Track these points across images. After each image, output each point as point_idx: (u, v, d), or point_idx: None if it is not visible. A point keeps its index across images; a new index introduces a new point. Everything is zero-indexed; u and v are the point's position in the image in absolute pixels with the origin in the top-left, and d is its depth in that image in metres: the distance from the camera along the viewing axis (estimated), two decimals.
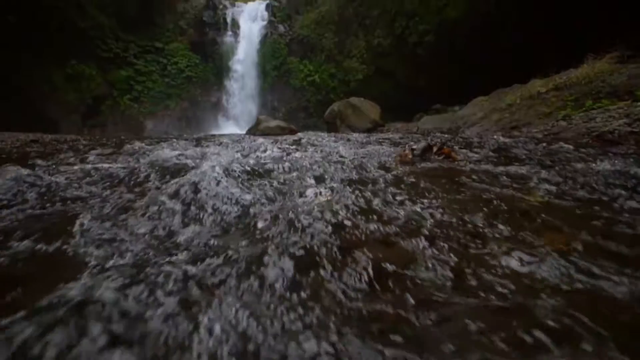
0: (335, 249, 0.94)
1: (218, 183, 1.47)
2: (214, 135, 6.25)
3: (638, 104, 3.72)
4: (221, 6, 15.42)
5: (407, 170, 2.11)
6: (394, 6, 12.03)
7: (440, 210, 1.25)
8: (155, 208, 1.23)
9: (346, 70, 13.93)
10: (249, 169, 1.92)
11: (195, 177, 1.47)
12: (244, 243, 1.00)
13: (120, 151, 3.12)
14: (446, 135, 4.80)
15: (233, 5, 15.97)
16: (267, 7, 15.86)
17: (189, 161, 2.09)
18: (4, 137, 6.07)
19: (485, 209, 1.27)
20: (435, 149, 2.80)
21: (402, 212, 1.24)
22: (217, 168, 1.63)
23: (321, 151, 3.03)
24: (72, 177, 1.79)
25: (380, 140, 4.04)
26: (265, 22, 15.50)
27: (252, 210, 1.27)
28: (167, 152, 2.58)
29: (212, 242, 1.03)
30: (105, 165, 2.15)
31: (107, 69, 12.86)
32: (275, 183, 1.69)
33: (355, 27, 13.62)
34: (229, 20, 15.18)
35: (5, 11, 9.33)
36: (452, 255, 0.94)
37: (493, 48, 9.11)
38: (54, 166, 2.12)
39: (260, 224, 1.13)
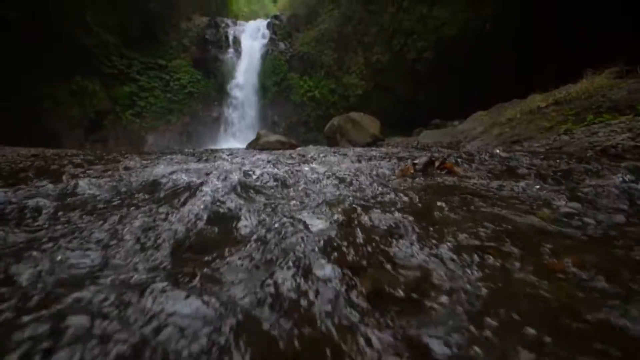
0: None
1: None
2: (214, 150, 6.23)
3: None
4: (223, 25, 15.80)
5: (410, 185, 2.05)
6: (392, 24, 12.31)
7: (449, 228, 1.19)
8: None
9: (346, 86, 14.11)
10: (248, 188, 1.86)
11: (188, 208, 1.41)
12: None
13: (117, 167, 3.07)
14: (447, 150, 4.76)
15: (235, 23, 16.38)
16: (269, 25, 16.26)
17: (185, 179, 2.03)
18: (5, 151, 6.06)
19: (494, 227, 1.20)
20: (437, 164, 2.75)
21: (409, 230, 1.17)
22: (211, 193, 1.58)
23: (323, 166, 2.98)
24: (45, 202, 1.67)
25: (382, 154, 4.00)
26: (266, 40, 15.84)
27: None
28: (161, 170, 2.53)
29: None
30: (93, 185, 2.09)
31: (110, 85, 13.05)
32: (275, 205, 1.63)
33: (354, 44, 13.90)
34: (230, 38, 15.53)
35: (15, 31, 9.53)
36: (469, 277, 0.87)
37: (491, 64, 9.25)
38: (35, 187, 2.03)
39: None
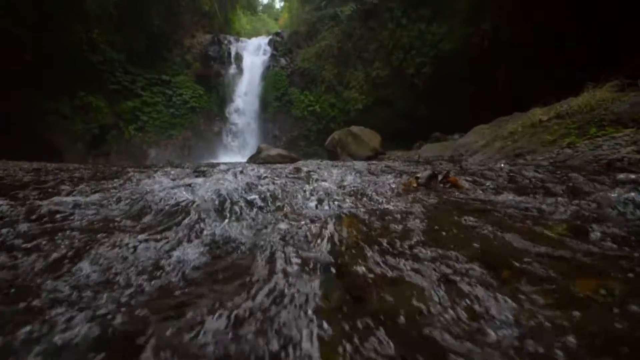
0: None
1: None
2: (214, 164, 6.22)
3: None
4: (226, 41, 16.15)
5: (414, 200, 2.00)
6: (391, 40, 12.54)
7: (458, 247, 1.12)
8: None
9: (346, 100, 14.26)
10: (248, 203, 1.81)
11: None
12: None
13: (115, 181, 3.03)
14: (449, 164, 4.72)
15: (237, 40, 16.75)
16: (270, 42, 16.62)
17: (182, 195, 1.97)
18: (7, 166, 6.05)
19: (506, 244, 1.14)
20: (440, 177, 2.71)
21: (416, 251, 1.11)
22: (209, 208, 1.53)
23: (325, 180, 2.94)
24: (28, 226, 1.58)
25: (383, 168, 3.96)
26: (267, 56, 16.16)
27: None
28: (157, 186, 2.48)
29: None
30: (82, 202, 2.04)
31: (114, 100, 13.21)
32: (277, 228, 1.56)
33: (354, 60, 14.13)
34: (232, 54, 15.83)
35: (24, 50, 9.74)
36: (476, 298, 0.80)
37: (490, 78, 9.34)
38: (25, 202, 1.98)
39: None
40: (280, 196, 2.10)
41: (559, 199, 1.84)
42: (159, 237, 1.26)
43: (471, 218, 1.48)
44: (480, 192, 2.22)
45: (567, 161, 3.85)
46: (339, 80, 14.54)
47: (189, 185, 2.33)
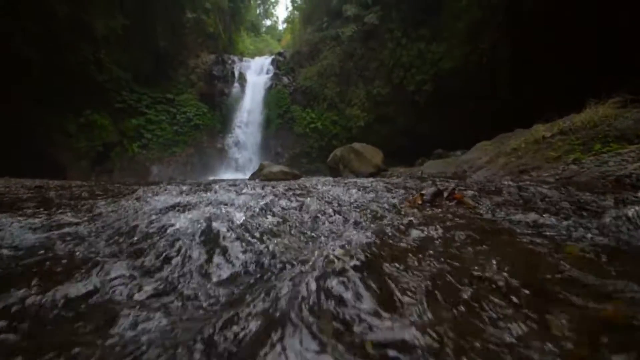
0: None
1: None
2: (216, 181, 6.20)
3: None
4: (230, 61, 16.56)
5: (421, 217, 1.93)
6: (392, 59, 12.80)
7: (473, 267, 1.06)
8: None
9: (348, 118, 14.41)
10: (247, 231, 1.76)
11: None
12: None
13: (117, 199, 3.00)
14: (453, 180, 4.67)
15: (241, 60, 17.18)
16: (273, 61, 17.04)
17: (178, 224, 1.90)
18: (10, 183, 6.06)
19: (519, 266, 1.07)
20: (446, 194, 2.65)
21: (427, 272, 1.04)
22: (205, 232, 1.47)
23: (329, 198, 2.89)
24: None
25: (387, 185, 3.91)
26: (270, 75, 16.52)
27: None
28: (159, 204, 2.44)
29: None
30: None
31: (119, 118, 13.41)
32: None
33: (356, 78, 14.39)
34: (236, 73, 16.20)
35: (32, 69, 9.99)
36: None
37: (490, 95, 9.44)
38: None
39: None
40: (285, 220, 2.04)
41: (573, 217, 1.77)
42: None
43: (482, 238, 1.42)
44: (489, 209, 2.16)
45: (574, 178, 3.79)
46: (341, 98, 14.76)
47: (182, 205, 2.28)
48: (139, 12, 13.06)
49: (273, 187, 3.93)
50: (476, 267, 1.07)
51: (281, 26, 35.03)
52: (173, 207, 2.26)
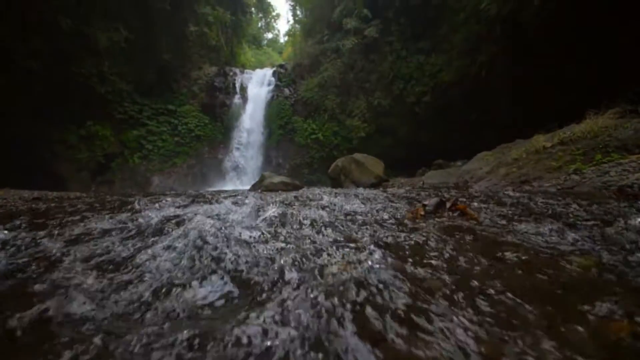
0: None
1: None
2: (217, 192, 6.20)
3: None
4: (232, 73, 16.78)
5: (425, 229, 1.92)
6: (392, 71, 12.97)
7: (481, 283, 1.04)
8: None
9: (349, 128, 14.49)
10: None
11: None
12: None
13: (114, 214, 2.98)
14: (455, 190, 4.66)
15: (242, 72, 17.41)
16: (274, 73, 17.26)
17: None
18: (9, 194, 6.05)
19: (530, 280, 1.05)
20: (448, 205, 2.63)
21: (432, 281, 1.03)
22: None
23: (332, 209, 2.87)
24: None
25: (389, 196, 3.90)
26: (271, 86, 16.70)
27: None
28: (154, 220, 2.43)
29: None
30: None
31: (120, 129, 13.47)
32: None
33: (356, 90, 14.55)
34: (238, 85, 16.39)
35: (35, 82, 10.12)
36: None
37: (489, 106, 9.51)
38: None
39: None
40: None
41: (579, 228, 1.76)
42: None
43: (489, 251, 1.40)
44: (492, 220, 2.14)
45: (575, 188, 3.78)
46: (342, 109, 14.88)
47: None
48: (143, 26, 13.30)
49: (281, 199, 3.92)
50: (487, 283, 1.06)
51: (282, 39, 35.67)
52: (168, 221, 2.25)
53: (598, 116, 4.56)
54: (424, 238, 1.60)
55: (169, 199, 3.88)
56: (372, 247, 1.45)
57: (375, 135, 13.77)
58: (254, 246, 1.52)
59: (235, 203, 3.21)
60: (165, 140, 14.51)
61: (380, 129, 13.70)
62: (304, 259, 1.31)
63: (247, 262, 1.33)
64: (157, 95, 14.82)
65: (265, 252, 1.46)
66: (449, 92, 10.74)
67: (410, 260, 1.29)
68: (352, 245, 1.55)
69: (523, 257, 1.29)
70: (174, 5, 13.95)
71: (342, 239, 1.74)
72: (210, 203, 3.29)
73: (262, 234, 1.83)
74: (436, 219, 2.33)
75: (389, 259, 1.28)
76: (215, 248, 1.45)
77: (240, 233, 1.78)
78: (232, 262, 1.32)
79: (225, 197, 3.90)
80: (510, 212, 2.41)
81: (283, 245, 1.59)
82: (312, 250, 1.45)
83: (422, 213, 2.58)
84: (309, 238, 1.76)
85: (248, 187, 8.76)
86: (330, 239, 1.74)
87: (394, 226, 2.09)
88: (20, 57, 9.52)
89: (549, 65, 7.55)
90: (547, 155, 4.74)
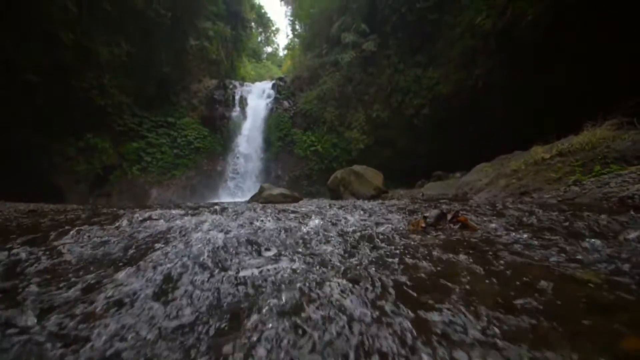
0: None
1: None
2: (215, 204, 6.16)
3: None
4: (231, 86, 16.97)
5: (427, 243, 1.89)
6: (390, 84, 13.14)
7: (486, 298, 1.01)
8: None
9: (348, 140, 14.57)
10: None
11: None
12: None
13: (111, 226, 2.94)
14: (455, 202, 4.64)
15: (242, 85, 17.62)
16: (273, 86, 17.47)
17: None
18: (4, 207, 5.99)
19: (537, 295, 1.02)
20: (449, 217, 2.61)
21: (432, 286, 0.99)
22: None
23: (333, 221, 2.84)
24: None
25: (389, 207, 3.87)
26: (271, 99, 16.87)
27: None
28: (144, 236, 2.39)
29: None
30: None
31: (119, 142, 13.49)
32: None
33: (355, 102, 14.70)
34: (237, 97, 16.56)
35: (36, 94, 10.18)
36: None
37: (487, 118, 9.59)
38: None
39: None
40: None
41: (584, 240, 1.73)
42: None
43: (495, 266, 1.37)
44: (494, 233, 2.11)
45: (576, 199, 3.76)
46: (341, 121, 15.00)
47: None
48: (144, 40, 13.51)
49: (276, 210, 3.89)
50: (496, 296, 1.02)
51: (282, 53, 36.30)
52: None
53: (595, 128, 4.59)
54: (426, 247, 1.57)
55: (161, 216, 3.84)
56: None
57: (374, 147, 13.83)
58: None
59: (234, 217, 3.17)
60: (164, 153, 14.52)
61: (379, 140, 13.78)
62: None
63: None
64: (156, 108, 14.92)
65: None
66: (447, 104, 10.84)
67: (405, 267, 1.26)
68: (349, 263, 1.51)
69: (530, 269, 1.25)
70: (174, 20, 14.22)
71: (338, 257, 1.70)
72: (203, 216, 3.25)
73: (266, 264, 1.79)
74: (437, 231, 2.30)
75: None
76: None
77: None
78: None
79: (220, 211, 3.86)
80: (512, 224, 2.38)
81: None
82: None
83: (423, 225, 2.55)
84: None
85: (247, 199, 8.72)
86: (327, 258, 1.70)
87: (394, 238, 2.05)
88: (21, 69, 9.60)
89: (545, 78, 7.66)
90: (546, 166, 4.74)
